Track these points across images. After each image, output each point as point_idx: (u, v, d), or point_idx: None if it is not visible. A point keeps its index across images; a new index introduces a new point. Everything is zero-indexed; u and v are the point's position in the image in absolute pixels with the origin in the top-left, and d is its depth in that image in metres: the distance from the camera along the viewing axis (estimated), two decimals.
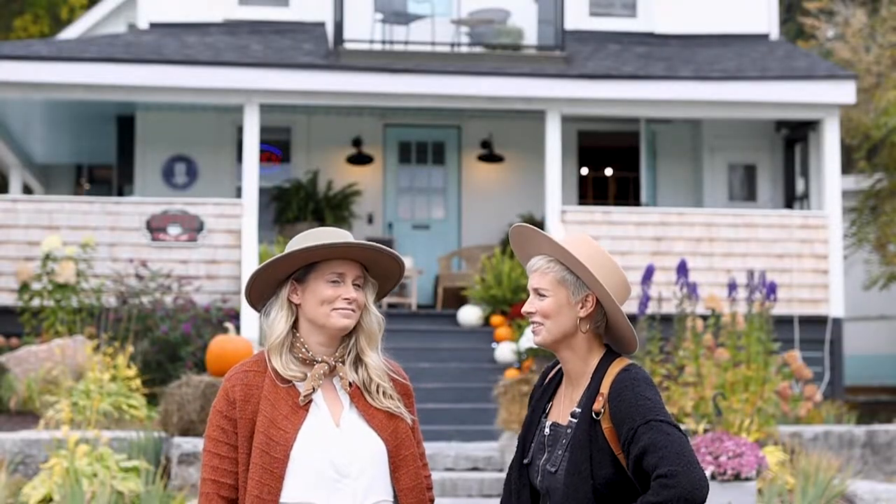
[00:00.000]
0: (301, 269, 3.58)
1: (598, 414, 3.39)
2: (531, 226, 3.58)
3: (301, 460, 3.45)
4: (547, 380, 3.66)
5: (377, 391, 3.56)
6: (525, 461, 3.54)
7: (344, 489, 3.46)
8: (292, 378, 3.54)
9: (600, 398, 3.40)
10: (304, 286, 3.58)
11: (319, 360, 3.56)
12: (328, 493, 3.45)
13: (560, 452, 3.44)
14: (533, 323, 3.52)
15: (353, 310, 3.55)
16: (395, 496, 3.55)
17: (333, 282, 3.55)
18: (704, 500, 3.23)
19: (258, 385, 3.54)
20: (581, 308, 3.48)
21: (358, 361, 3.60)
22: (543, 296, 3.50)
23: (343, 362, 3.59)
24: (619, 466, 3.36)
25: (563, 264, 3.49)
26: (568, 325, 3.49)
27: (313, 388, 3.52)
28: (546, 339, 3.50)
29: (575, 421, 3.44)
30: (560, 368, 3.64)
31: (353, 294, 3.55)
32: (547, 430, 3.51)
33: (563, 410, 3.52)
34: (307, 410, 3.51)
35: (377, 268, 3.63)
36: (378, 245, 3.57)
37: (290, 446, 3.45)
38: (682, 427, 10.92)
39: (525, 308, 3.54)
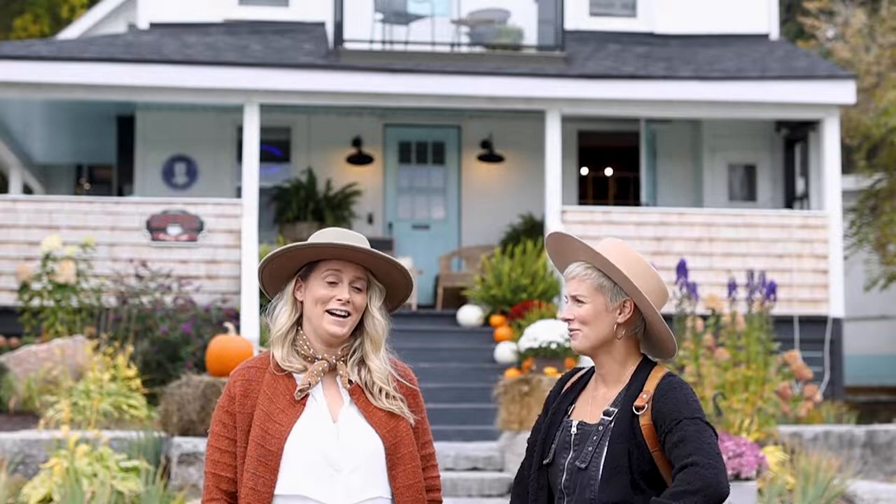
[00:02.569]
0: (305, 266, 3.60)
1: (639, 409, 3.44)
2: (567, 234, 3.60)
3: (295, 453, 3.47)
4: (568, 385, 3.68)
5: (379, 393, 3.57)
6: (545, 462, 3.55)
7: (338, 483, 3.47)
8: (290, 370, 3.56)
9: (644, 395, 3.46)
10: (306, 284, 3.60)
11: (320, 357, 3.57)
12: (322, 487, 3.46)
13: (590, 449, 3.46)
14: (571, 330, 3.55)
15: (347, 312, 3.54)
16: (393, 494, 3.55)
17: (330, 282, 3.56)
18: (725, 498, 3.31)
19: (258, 380, 3.57)
20: (619, 314, 3.53)
21: (361, 363, 3.61)
22: (581, 302, 3.54)
23: (345, 361, 3.59)
24: (654, 463, 3.43)
25: (600, 271, 3.54)
26: (606, 331, 3.53)
27: (310, 384, 3.53)
28: (584, 345, 3.54)
29: (608, 419, 3.47)
30: (582, 376, 3.67)
31: (347, 296, 3.54)
32: (574, 430, 3.52)
33: (592, 410, 3.55)
34: (304, 405, 3.52)
35: (381, 274, 3.63)
36: (376, 251, 3.55)
37: (285, 439, 3.47)
38: None
39: (563, 314, 3.58)
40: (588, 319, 3.51)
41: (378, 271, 3.61)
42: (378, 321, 3.59)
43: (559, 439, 3.55)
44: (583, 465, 3.44)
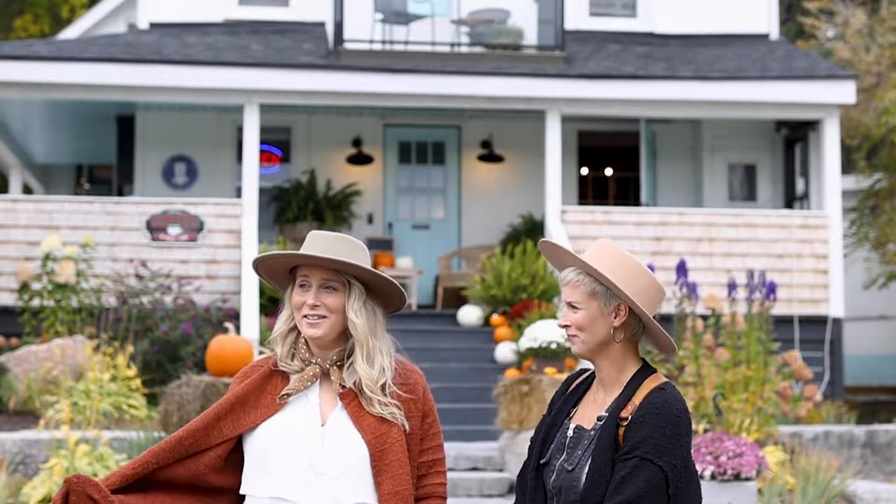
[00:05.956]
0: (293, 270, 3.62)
1: (623, 420, 3.46)
2: (556, 242, 3.64)
3: (276, 454, 3.45)
4: (573, 386, 3.70)
5: (369, 402, 3.54)
6: (542, 461, 3.57)
7: (321, 488, 3.44)
8: (287, 370, 3.57)
9: (630, 406, 3.48)
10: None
11: (314, 361, 3.56)
12: (304, 491, 3.44)
13: (580, 453, 3.49)
14: (569, 335, 3.58)
15: (318, 316, 3.51)
16: (379, 500, 3.52)
17: (301, 285, 3.55)
18: None
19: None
20: (615, 318, 3.54)
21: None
22: (577, 308, 3.56)
23: (339, 366, 3.58)
24: None
25: (592, 276, 3.56)
26: (604, 335, 3.54)
27: (296, 389, 3.52)
28: (582, 349, 3.57)
29: (600, 424, 3.50)
30: (587, 377, 3.70)
31: (313, 300, 3.50)
32: (570, 432, 3.55)
33: (588, 414, 3.57)
34: (279, 409, 3.51)
35: (365, 276, 3.57)
36: (334, 258, 3.49)
37: (244, 430, 3.48)
38: None
39: (560, 321, 3.61)
40: (584, 325, 3.54)
41: (362, 274, 3.57)
42: (353, 322, 3.51)
43: (556, 441, 3.57)
44: (570, 468, 3.48)
